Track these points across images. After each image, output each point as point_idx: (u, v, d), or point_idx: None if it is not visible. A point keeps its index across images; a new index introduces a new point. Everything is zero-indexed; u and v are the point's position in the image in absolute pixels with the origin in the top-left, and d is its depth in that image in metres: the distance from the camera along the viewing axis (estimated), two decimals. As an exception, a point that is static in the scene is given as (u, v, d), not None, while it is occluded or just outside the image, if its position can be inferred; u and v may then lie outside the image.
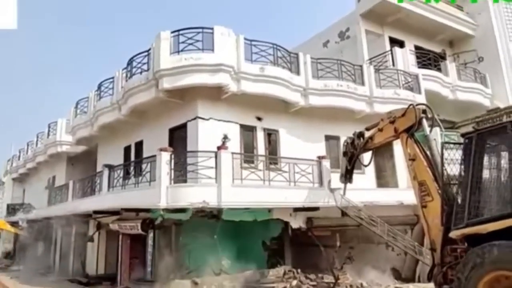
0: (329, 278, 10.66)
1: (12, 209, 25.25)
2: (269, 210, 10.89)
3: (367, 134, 9.62)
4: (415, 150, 7.11)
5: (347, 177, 10.29)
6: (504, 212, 4.84)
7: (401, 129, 7.75)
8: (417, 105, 7.93)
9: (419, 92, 14.60)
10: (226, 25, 11.38)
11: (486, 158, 5.45)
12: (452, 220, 5.63)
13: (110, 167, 12.91)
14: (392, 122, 8.08)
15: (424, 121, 7.44)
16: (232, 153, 10.22)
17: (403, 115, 7.77)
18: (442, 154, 6.02)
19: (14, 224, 22.27)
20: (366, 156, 11.08)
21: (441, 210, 5.91)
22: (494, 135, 5.39)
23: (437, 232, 6.10)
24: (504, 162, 5.23)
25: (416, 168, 6.85)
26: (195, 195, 9.58)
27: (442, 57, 18.78)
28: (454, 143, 6.11)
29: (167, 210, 9.76)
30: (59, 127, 19.94)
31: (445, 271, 5.69)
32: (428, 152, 6.94)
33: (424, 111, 7.64)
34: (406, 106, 13.03)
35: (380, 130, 8.49)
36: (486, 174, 5.39)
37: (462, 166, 5.69)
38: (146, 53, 12.14)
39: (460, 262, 5.16)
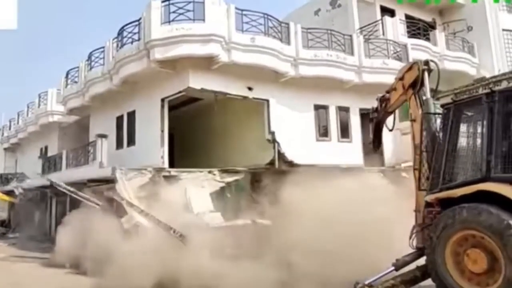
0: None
1: (5, 179, 25.41)
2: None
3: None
4: (416, 112, 6.91)
5: (374, 144, 10.04)
6: (474, 177, 5.24)
7: (407, 84, 7.34)
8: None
9: (408, 62, 14.79)
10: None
11: (462, 128, 5.79)
12: (429, 185, 6.03)
13: (103, 137, 13.15)
14: (401, 79, 7.90)
15: (426, 76, 7.07)
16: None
17: (409, 69, 7.35)
18: (422, 123, 6.35)
19: (9, 193, 22.51)
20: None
21: (418, 176, 6.30)
22: (470, 106, 5.69)
23: (421, 195, 6.45)
24: (477, 131, 5.58)
25: (415, 130, 6.73)
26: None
27: (432, 26, 18.87)
28: (434, 113, 6.41)
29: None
30: (50, 97, 19.92)
31: (421, 231, 6.14)
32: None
33: (426, 63, 7.22)
34: (394, 77, 13.34)
35: (394, 89, 7.95)
36: (461, 142, 5.75)
37: (440, 135, 6.04)
38: (136, 23, 12.14)
39: (433, 224, 5.59)
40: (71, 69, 16.85)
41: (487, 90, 5.34)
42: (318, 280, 6.94)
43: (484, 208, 4.87)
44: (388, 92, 8.65)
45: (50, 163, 17.83)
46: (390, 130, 8.96)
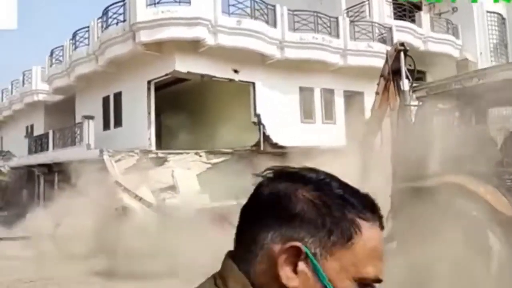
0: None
1: (-10, 156, 25.29)
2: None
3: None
4: (395, 101, 6.90)
5: None
6: (443, 169, 5.59)
7: (385, 72, 7.29)
8: None
9: (392, 44, 14.98)
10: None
11: (435, 120, 6.11)
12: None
13: (90, 118, 13.21)
14: (382, 75, 7.79)
15: (402, 56, 6.99)
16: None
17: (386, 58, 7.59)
18: (398, 114, 6.63)
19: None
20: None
21: (393, 165, 6.62)
22: (444, 99, 6.00)
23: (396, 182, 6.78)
24: (449, 125, 5.91)
25: (394, 119, 6.80)
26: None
27: (418, 6, 18.96)
28: (410, 105, 6.68)
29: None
30: (34, 75, 19.67)
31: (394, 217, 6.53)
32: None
33: (402, 44, 7.20)
34: (378, 60, 13.51)
35: (377, 93, 7.64)
36: (434, 134, 6.07)
37: (415, 126, 6.35)
38: (121, 3, 12.05)
39: (404, 212, 5.97)
40: (55, 48, 16.65)
41: (459, 86, 5.63)
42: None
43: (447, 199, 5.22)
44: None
45: (36, 143, 17.83)
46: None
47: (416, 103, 6.53)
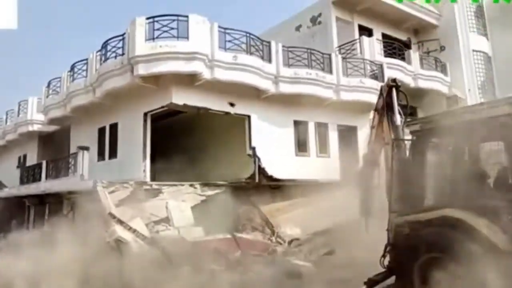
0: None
1: (-20, 186, 24.92)
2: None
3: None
4: (389, 136, 7.03)
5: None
6: (440, 203, 5.67)
7: (379, 107, 7.41)
8: None
9: (383, 81, 15.26)
10: (199, 8, 11.71)
11: (429, 154, 6.24)
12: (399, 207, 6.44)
13: (85, 149, 13.21)
14: (375, 109, 7.69)
15: (394, 92, 7.24)
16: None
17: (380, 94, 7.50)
18: (393, 149, 6.77)
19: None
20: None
21: (389, 197, 6.70)
22: (437, 134, 6.15)
23: (392, 216, 6.83)
24: (443, 159, 6.04)
25: (389, 153, 6.90)
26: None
27: (407, 45, 19.69)
28: (403, 140, 6.83)
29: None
30: (30, 105, 19.75)
31: (392, 251, 6.52)
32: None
33: (393, 80, 7.43)
34: (370, 95, 13.86)
35: (373, 127, 7.81)
36: (428, 168, 6.19)
37: (410, 160, 6.48)
38: (121, 37, 12.30)
39: (401, 245, 5.99)
40: (53, 79, 16.82)
41: (451, 121, 5.81)
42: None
43: (446, 232, 5.28)
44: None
45: (29, 173, 17.67)
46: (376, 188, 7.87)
47: (409, 137, 6.70)
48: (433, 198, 5.99)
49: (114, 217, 10.44)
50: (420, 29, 20.63)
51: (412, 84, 17.28)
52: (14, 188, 18.84)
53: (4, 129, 22.52)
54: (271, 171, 12.96)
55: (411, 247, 5.68)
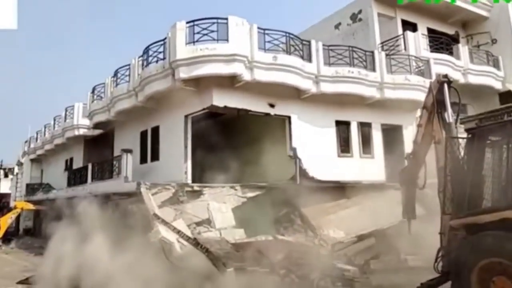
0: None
1: (31, 189, 26.23)
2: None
3: None
4: (440, 134, 6.85)
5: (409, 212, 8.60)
6: (500, 204, 5.24)
7: (429, 104, 7.18)
8: None
9: (430, 77, 14.67)
10: (238, 11, 11.68)
11: (487, 153, 5.80)
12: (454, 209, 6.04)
13: (129, 152, 13.49)
14: (424, 107, 7.52)
15: (446, 88, 7.00)
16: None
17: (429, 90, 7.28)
18: (446, 147, 6.37)
19: (35, 202, 23.14)
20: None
21: (443, 199, 6.30)
22: (495, 132, 5.72)
23: (446, 218, 6.42)
24: (502, 158, 5.58)
25: (439, 152, 6.72)
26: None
27: (455, 39, 18.75)
28: (458, 137, 6.42)
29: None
30: (76, 111, 20.53)
31: (446, 255, 6.12)
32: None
33: (445, 76, 7.22)
34: (416, 92, 13.27)
35: (420, 125, 7.63)
36: (486, 168, 5.75)
37: (465, 159, 6.06)
38: (162, 42, 12.47)
39: (458, 249, 5.60)
40: (97, 85, 17.38)
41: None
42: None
43: (509, 236, 4.87)
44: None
45: (75, 176, 18.33)
46: (421, 189, 7.92)
47: (464, 135, 6.28)
48: (491, 200, 5.56)
49: (158, 218, 10.55)
50: (469, 22, 19.55)
51: (461, 80, 16.40)
52: (62, 190, 19.64)
53: (53, 133, 23.57)
54: (313, 172, 12.66)
55: (469, 251, 5.29)
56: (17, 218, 23.83)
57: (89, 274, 9.50)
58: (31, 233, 25.87)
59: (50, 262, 11.41)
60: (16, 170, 33.06)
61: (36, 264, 14.89)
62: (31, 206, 23.12)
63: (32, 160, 29.58)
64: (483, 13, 19.08)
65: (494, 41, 18.77)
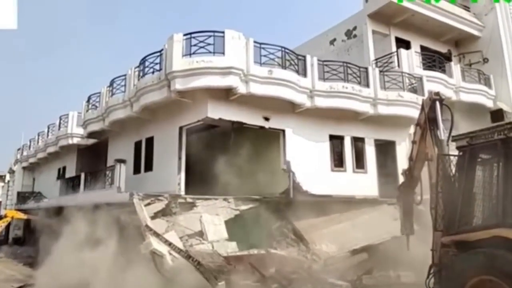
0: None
1: (22, 197, 25.95)
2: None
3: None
4: (433, 151, 6.83)
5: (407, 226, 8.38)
6: (491, 222, 5.29)
7: (422, 121, 7.24)
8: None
9: (423, 94, 14.87)
10: (233, 23, 11.86)
11: (477, 171, 5.87)
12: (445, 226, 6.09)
13: (122, 162, 13.45)
14: (417, 124, 7.57)
15: (438, 105, 7.03)
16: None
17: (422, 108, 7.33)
18: (438, 165, 6.44)
19: (26, 211, 22.87)
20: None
21: (435, 215, 6.34)
22: (486, 150, 5.80)
23: (437, 234, 6.46)
24: (493, 176, 5.65)
25: (431, 169, 6.72)
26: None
27: (448, 57, 19.07)
28: (449, 155, 6.49)
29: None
30: (70, 119, 20.45)
31: (438, 272, 6.15)
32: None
33: (437, 93, 7.24)
34: (409, 109, 13.41)
35: (414, 142, 7.62)
36: (477, 186, 5.82)
37: (457, 176, 6.12)
38: (158, 54, 12.56)
39: (450, 266, 5.63)
40: (92, 94, 17.39)
41: (503, 136, 5.44)
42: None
43: (499, 254, 4.91)
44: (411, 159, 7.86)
45: (68, 185, 18.21)
46: (418, 204, 7.85)
47: (455, 153, 6.36)
48: (482, 217, 5.62)
49: (150, 229, 10.49)
50: (461, 41, 19.94)
51: (453, 97, 16.65)
52: (54, 199, 19.47)
53: (46, 142, 23.43)
54: (306, 186, 12.71)
55: (460, 268, 5.32)
56: (7, 227, 23.46)
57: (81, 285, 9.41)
58: (21, 242, 25.50)
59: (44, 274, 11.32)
60: (7, 177, 32.71)
61: (25, 275, 14.74)
62: (22, 215, 22.83)
63: (24, 168, 29.32)
64: (475, 32, 19.46)
65: (485, 60, 19.12)
